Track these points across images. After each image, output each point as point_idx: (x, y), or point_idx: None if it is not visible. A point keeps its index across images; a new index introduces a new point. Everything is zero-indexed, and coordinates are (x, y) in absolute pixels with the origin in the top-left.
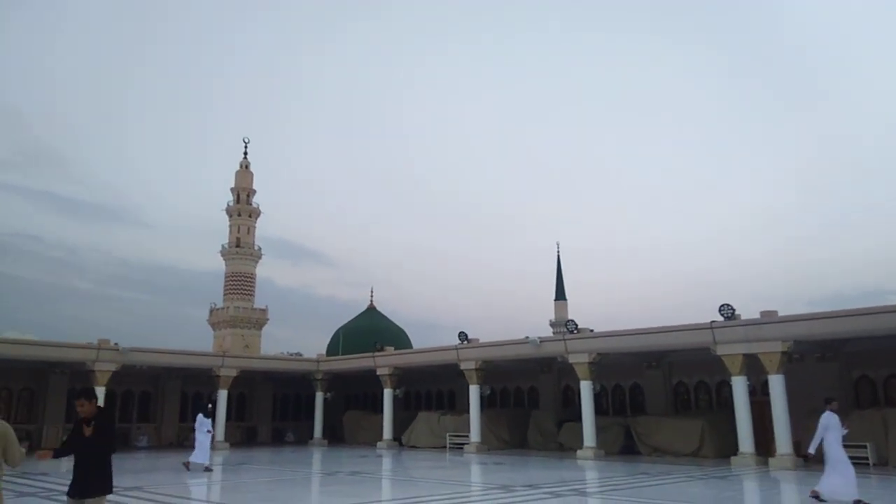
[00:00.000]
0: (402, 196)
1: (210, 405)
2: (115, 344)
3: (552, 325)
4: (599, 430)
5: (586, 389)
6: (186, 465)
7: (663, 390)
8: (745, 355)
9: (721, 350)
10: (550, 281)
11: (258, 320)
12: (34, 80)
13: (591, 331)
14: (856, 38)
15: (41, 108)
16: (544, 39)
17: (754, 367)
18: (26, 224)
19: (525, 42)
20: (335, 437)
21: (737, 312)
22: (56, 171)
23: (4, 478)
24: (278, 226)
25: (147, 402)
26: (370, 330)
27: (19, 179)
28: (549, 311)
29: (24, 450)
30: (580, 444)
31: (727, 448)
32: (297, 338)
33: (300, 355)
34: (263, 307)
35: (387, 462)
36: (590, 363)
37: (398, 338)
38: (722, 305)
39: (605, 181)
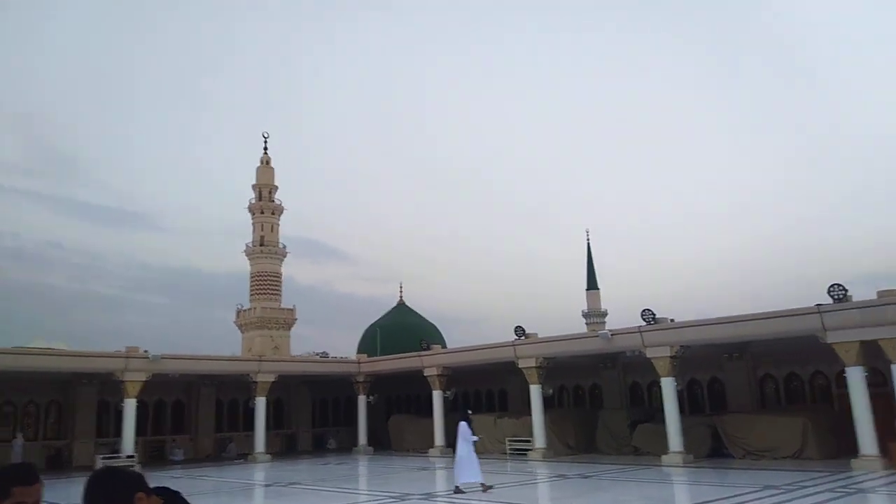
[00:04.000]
0: (424, 187)
1: (469, 410)
2: (145, 351)
3: (585, 315)
4: (682, 431)
5: (668, 387)
6: (457, 489)
7: (747, 384)
8: (863, 342)
9: (833, 337)
10: (580, 270)
11: (286, 320)
12: (46, 84)
13: (672, 321)
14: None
15: (54, 113)
16: (569, 23)
17: (868, 356)
18: (47, 231)
19: (555, 27)
20: (378, 442)
21: (849, 293)
22: (74, 178)
23: None
24: (296, 222)
25: (181, 413)
26: (402, 327)
27: (38, 186)
28: (580, 301)
29: None
30: (659, 448)
31: (832, 448)
32: (321, 337)
33: (327, 355)
34: (291, 307)
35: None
36: (671, 357)
37: (431, 334)
38: (832, 286)
39: (638, 165)
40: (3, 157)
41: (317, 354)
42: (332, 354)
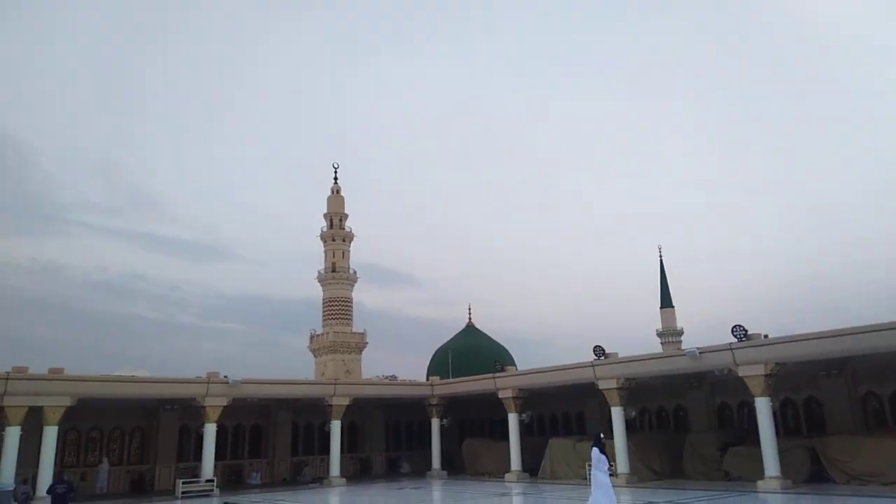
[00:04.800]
0: (489, 209)
1: (602, 434)
2: (225, 377)
3: (659, 334)
4: (779, 454)
5: (763, 407)
6: None
7: (848, 403)
8: None
9: None
10: (653, 288)
11: (357, 344)
12: (123, 127)
13: (765, 336)
14: None
15: (133, 154)
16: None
17: None
18: (131, 265)
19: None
20: (452, 466)
21: None
22: (153, 214)
23: None
24: (364, 247)
25: (258, 436)
26: (472, 349)
27: (121, 224)
28: (654, 319)
29: None
30: (752, 473)
31: None
32: (390, 361)
33: (395, 378)
34: (362, 331)
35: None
36: (766, 375)
37: (502, 356)
38: None
39: (707, 181)
40: (90, 200)
41: (386, 378)
42: (400, 377)
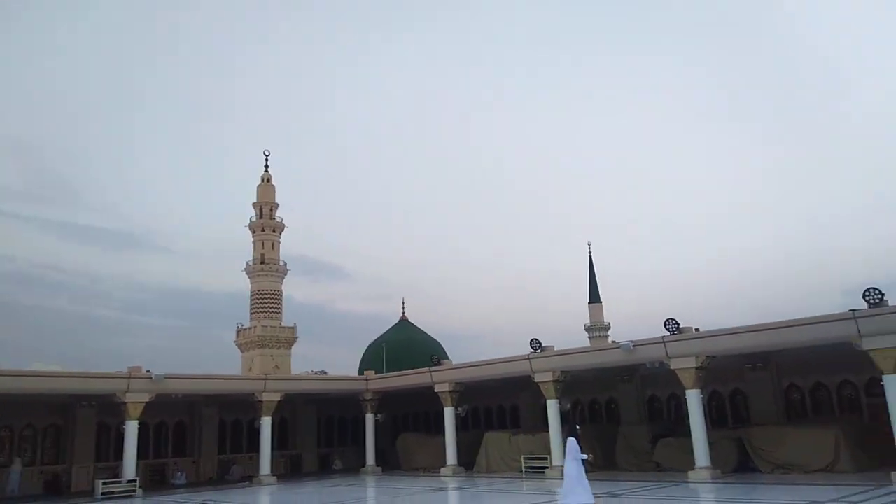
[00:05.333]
0: (420, 204)
1: (578, 425)
2: (148, 371)
3: (587, 329)
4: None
5: (694, 399)
6: None
7: (772, 395)
8: None
9: (869, 344)
10: (580, 283)
11: (287, 339)
12: (42, 108)
13: (697, 330)
14: None
15: (51, 137)
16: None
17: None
18: (49, 255)
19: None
20: (386, 462)
21: (885, 298)
22: (73, 201)
23: None
24: (293, 240)
25: (182, 434)
26: (405, 344)
27: (36, 210)
28: (582, 315)
29: None
30: (683, 463)
31: (864, 461)
32: (320, 355)
33: (325, 373)
34: (291, 325)
35: (480, 498)
36: (697, 368)
37: (435, 350)
38: (867, 290)
39: (631, 174)
40: (2, 182)
41: (315, 373)
42: (331, 373)
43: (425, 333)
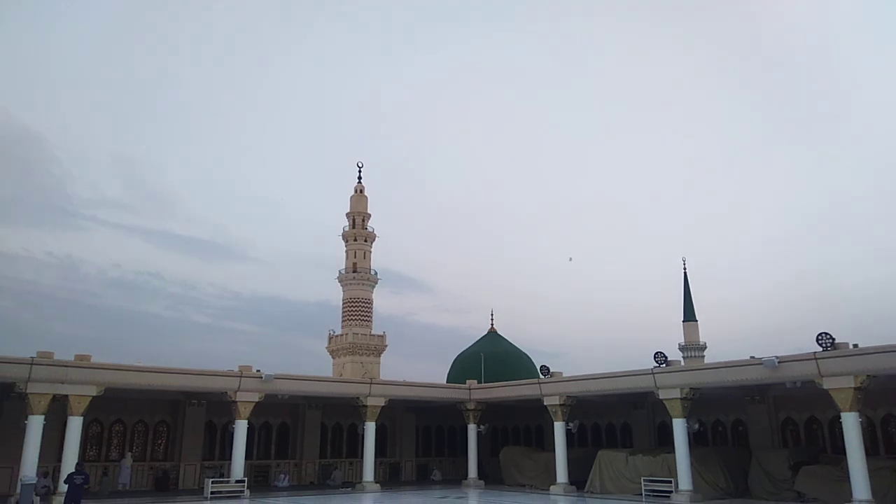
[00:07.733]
0: (510, 220)
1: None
2: (258, 371)
3: (682, 348)
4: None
5: (851, 423)
6: None
7: None
8: None
9: None
10: (675, 301)
11: (377, 347)
12: (142, 125)
13: (855, 346)
14: None
15: (150, 152)
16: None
17: None
18: (148, 263)
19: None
20: (485, 476)
21: None
22: (170, 212)
23: None
24: (380, 252)
25: (285, 436)
26: (501, 356)
27: (138, 221)
28: (676, 333)
29: None
30: (829, 494)
31: None
32: (404, 366)
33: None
34: (381, 333)
35: None
36: (856, 388)
37: (524, 363)
38: None
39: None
40: (106, 195)
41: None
42: None
43: (515, 346)
